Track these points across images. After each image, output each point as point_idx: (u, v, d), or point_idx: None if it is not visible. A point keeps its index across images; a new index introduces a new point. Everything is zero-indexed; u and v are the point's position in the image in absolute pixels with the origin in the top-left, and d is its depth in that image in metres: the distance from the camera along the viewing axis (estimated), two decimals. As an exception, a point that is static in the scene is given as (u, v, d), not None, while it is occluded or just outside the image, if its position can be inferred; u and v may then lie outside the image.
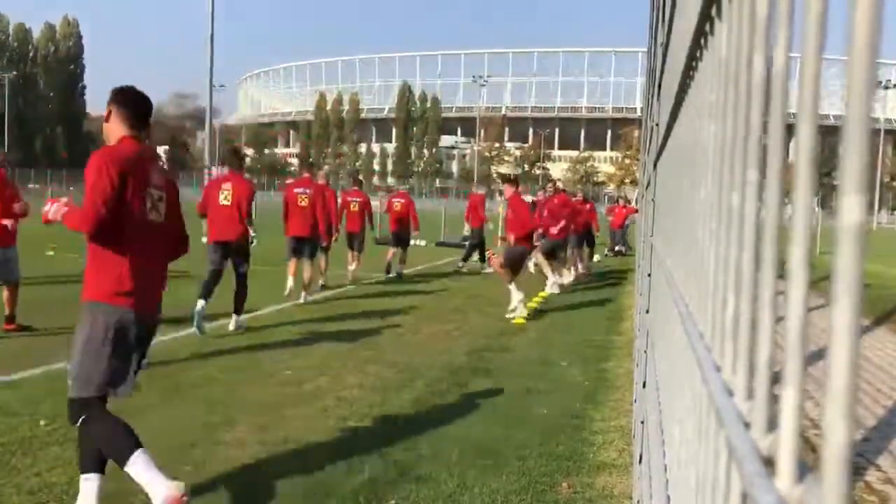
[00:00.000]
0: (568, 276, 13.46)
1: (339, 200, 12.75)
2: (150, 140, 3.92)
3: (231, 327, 7.82)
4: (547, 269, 12.29)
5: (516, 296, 9.60)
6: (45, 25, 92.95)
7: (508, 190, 10.30)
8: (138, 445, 3.28)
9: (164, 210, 3.70)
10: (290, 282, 10.09)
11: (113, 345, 3.41)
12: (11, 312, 7.44)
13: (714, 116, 0.86)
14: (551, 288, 12.12)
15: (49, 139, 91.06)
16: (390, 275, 13.43)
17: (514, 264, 9.71)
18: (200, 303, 7.46)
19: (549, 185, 14.06)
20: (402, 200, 14.22)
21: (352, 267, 12.73)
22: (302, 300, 9.96)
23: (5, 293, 7.48)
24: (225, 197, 7.84)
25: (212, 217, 7.87)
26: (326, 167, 14.46)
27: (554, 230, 12.23)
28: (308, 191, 10.12)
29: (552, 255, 12.41)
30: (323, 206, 10.35)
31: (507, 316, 9.48)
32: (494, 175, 74.68)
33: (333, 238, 11.43)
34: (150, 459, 3.28)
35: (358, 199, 13.06)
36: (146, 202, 3.57)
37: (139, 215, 3.53)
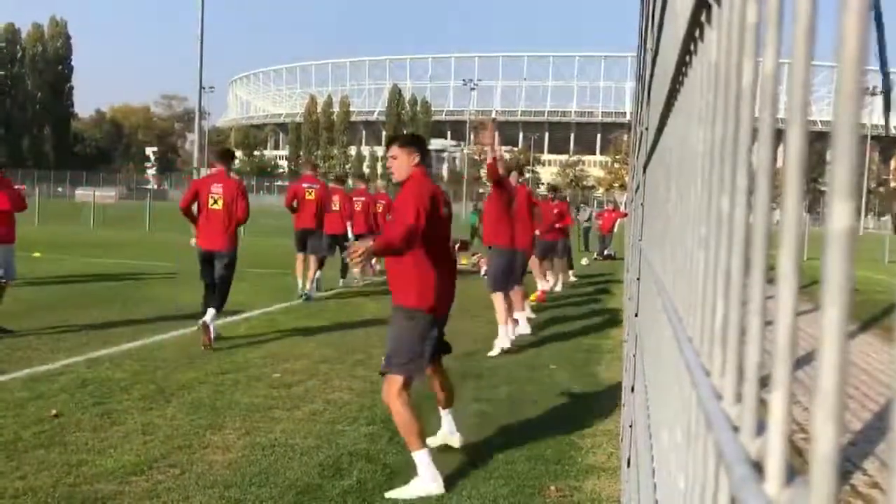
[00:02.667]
0: (521, 324, 8.65)
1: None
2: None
3: (340, 284, 12.24)
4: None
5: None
6: (33, 26, 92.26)
7: (406, 157, 4.48)
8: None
9: None
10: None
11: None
12: None
13: (703, 122, 0.86)
14: (502, 340, 7.77)
15: (36, 140, 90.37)
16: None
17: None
18: (318, 273, 11.34)
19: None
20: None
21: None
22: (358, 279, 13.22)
23: None
24: (334, 203, 11.92)
25: (328, 218, 11.52)
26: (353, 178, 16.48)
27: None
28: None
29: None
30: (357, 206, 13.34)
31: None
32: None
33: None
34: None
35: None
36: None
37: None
